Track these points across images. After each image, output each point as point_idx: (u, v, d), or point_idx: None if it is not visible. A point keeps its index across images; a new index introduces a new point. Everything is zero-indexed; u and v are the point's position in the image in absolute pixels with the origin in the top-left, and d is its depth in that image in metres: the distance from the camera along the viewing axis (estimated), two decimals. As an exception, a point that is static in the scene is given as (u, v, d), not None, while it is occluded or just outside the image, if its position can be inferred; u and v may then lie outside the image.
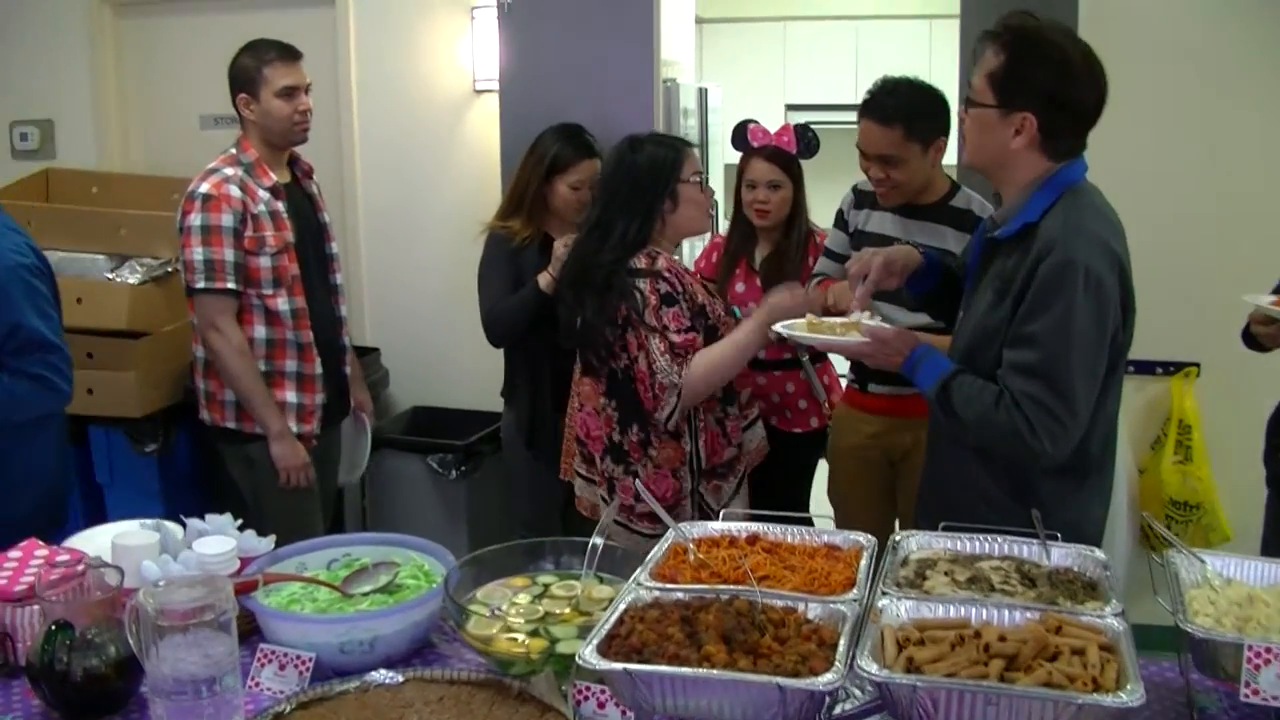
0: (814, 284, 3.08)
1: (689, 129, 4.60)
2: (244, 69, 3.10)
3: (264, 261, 3.04)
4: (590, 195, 2.91)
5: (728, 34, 6.79)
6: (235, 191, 3.00)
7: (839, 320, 2.37)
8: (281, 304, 3.08)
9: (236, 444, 3.17)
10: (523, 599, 1.91)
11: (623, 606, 1.66)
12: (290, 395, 3.13)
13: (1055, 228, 2.02)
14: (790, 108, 7.56)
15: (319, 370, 3.18)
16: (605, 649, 1.53)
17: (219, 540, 2.00)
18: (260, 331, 3.08)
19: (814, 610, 1.66)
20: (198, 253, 2.98)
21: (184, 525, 2.11)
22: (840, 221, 3.20)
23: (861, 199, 3.15)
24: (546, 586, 1.96)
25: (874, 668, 1.45)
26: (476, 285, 3.39)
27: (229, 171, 3.04)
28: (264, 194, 3.06)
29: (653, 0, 3.76)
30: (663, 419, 2.63)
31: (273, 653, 1.77)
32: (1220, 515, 3.75)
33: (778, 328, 2.45)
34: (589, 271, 2.68)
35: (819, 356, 3.44)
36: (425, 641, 1.93)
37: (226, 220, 2.98)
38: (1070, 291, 1.97)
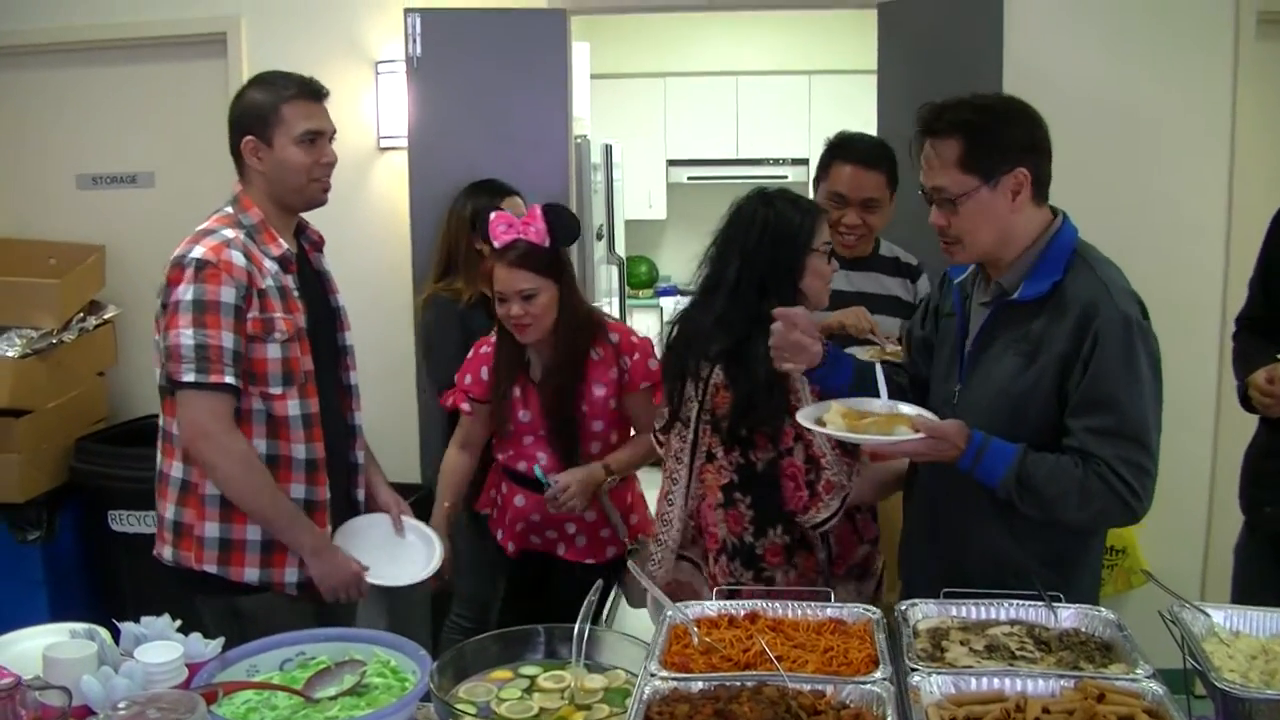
0: None
1: (597, 184, 4.55)
2: (255, 106, 2.42)
3: (272, 351, 2.37)
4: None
5: (609, 90, 6.78)
6: (239, 259, 2.34)
7: (875, 412, 2.09)
8: (292, 407, 2.40)
9: (219, 594, 2.41)
10: (510, 694, 1.77)
11: (643, 701, 1.53)
12: None
13: (1091, 286, 2.00)
14: (671, 163, 7.60)
15: (328, 495, 2.49)
16: (641, 752, 1.40)
17: (163, 647, 1.78)
18: (260, 445, 2.39)
19: (846, 693, 1.57)
20: (187, 335, 2.28)
21: (114, 630, 1.89)
22: None
23: None
24: (532, 679, 1.83)
25: (937, 756, 1.36)
26: (422, 353, 3.19)
27: (229, 233, 2.37)
28: (271, 265, 2.41)
29: (565, 56, 3.74)
30: (816, 521, 2.27)
31: (241, 774, 1.57)
32: (1141, 559, 3.81)
33: (805, 423, 2.08)
34: (749, 351, 2.28)
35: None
36: (402, 748, 1.75)
37: (227, 295, 2.30)
38: (1134, 347, 1.97)
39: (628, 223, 6.30)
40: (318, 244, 2.63)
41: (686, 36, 7.35)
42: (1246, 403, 2.63)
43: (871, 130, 3.58)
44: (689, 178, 7.56)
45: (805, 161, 7.08)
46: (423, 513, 3.48)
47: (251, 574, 2.42)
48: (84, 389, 3.89)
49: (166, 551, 2.46)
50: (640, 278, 7.68)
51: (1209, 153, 3.71)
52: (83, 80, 4.24)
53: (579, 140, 4.04)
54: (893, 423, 2.01)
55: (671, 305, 7.32)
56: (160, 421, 2.46)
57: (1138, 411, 1.97)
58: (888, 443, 2.02)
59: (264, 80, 2.47)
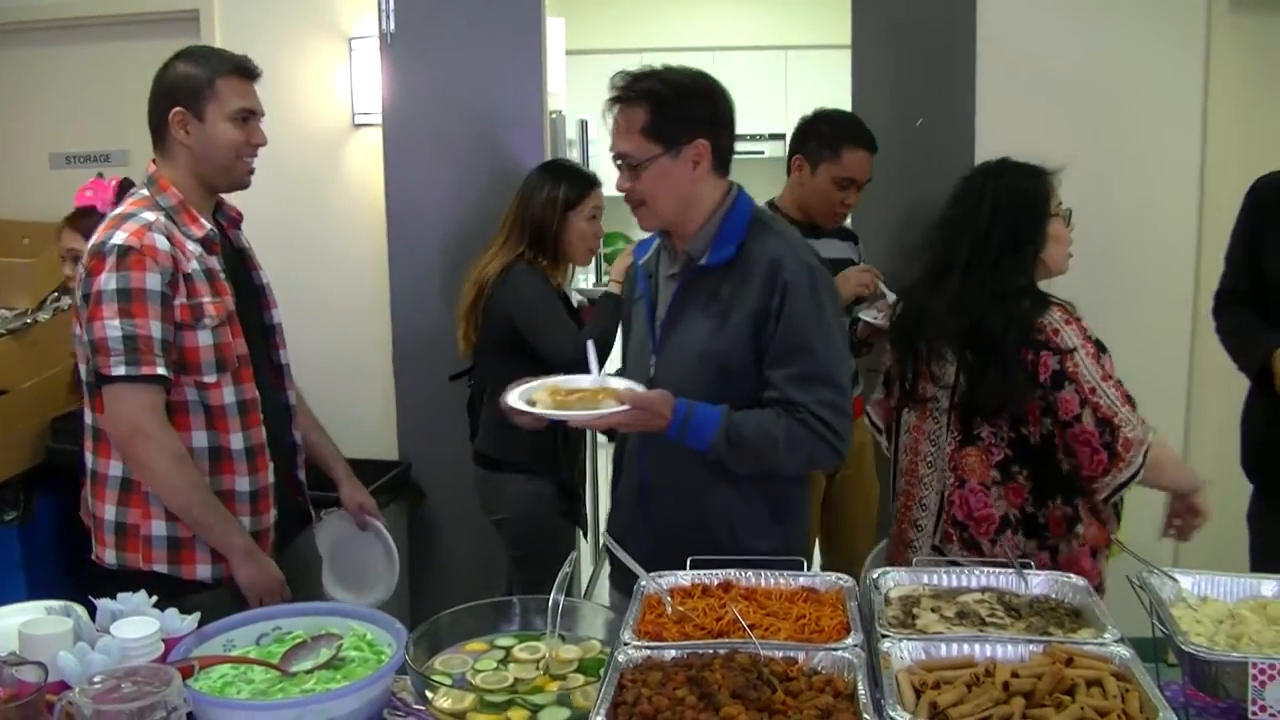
0: None
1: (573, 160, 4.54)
2: (188, 79, 2.29)
3: (203, 338, 2.25)
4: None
5: (585, 65, 6.74)
6: (162, 243, 2.20)
7: (585, 386, 2.10)
8: (227, 395, 2.29)
9: (168, 596, 2.02)
10: (486, 665, 1.78)
11: (616, 669, 1.55)
12: (243, 521, 2.33)
13: (773, 244, 2.12)
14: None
15: (272, 480, 2.40)
16: (614, 718, 1.42)
17: (139, 622, 1.78)
18: (200, 439, 2.28)
19: (818, 659, 1.59)
20: (113, 327, 2.14)
21: (91, 607, 1.88)
22: None
23: None
24: (507, 650, 1.83)
25: (906, 718, 1.38)
26: (531, 324, 3.07)
27: (149, 216, 2.23)
28: (195, 247, 2.28)
29: (540, 31, 3.71)
30: (1120, 482, 2.25)
31: (217, 747, 1.58)
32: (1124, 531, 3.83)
33: (517, 404, 2.07)
34: (988, 328, 2.28)
35: None
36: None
37: (153, 281, 2.17)
38: (819, 295, 2.10)
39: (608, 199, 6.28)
40: (236, 221, 2.50)
41: (663, 12, 7.33)
42: (1261, 381, 2.63)
43: (846, 106, 3.59)
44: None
45: (782, 137, 7.02)
46: (398, 491, 3.49)
47: (204, 570, 2.31)
48: (59, 369, 3.84)
49: (108, 555, 2.32)
50: (616, 253, 7.67)
51: (1181, 127, 3.72)
52: (56, 59, 4.21)
53: (554, 116, 4.04)
54: (599, 396, 2.03)
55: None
56: (87, 419, 2.33)
57: (829, 355, 2.10)
58: (594, 416, 2.03)
59: (194, 54, 2.36)
